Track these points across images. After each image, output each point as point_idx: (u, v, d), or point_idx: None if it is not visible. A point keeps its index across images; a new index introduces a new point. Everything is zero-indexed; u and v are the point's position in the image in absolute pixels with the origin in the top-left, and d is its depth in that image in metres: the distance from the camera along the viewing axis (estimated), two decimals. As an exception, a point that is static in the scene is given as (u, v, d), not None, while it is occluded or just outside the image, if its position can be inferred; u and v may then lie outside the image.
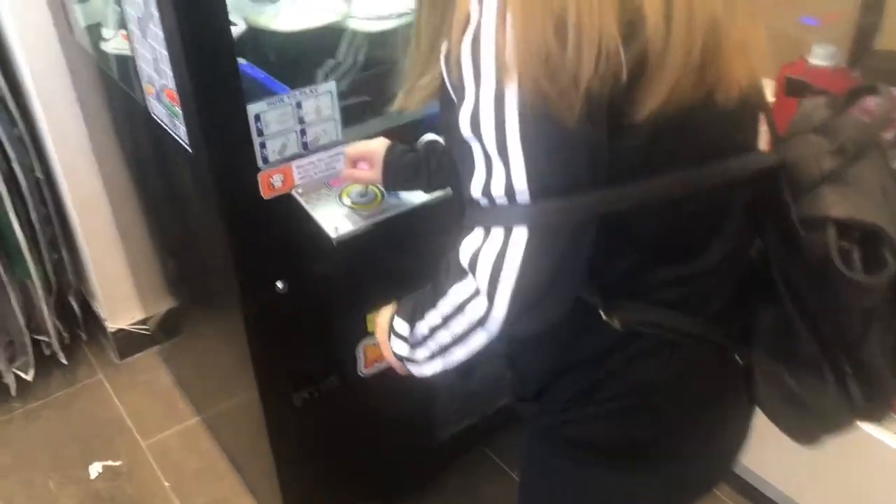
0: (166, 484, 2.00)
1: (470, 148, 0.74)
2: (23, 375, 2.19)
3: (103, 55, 1.59)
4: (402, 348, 0.92)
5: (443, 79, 0.78)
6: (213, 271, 1.53)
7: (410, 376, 0.95)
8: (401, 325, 0.91)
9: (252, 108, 1.20)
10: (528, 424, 1.04)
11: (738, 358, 0.90)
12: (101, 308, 2.27)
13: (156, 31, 1.18)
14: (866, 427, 1.51)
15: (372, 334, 1.52)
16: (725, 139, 0.80)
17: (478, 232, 0.76)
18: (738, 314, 0.89)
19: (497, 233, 0.74)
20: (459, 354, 0.85)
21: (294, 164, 1.29)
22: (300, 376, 1.53)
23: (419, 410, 1.77)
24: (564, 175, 0.72)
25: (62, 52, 1.83)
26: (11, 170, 1.94)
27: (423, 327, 0.87)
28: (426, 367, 0.91)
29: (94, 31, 1.63)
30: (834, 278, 0.75)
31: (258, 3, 1.56)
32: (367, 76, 1.47)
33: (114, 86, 1.60)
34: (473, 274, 0.77)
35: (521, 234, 0.73)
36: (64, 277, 2.23)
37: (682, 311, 0.86)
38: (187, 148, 1.27)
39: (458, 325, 0.82)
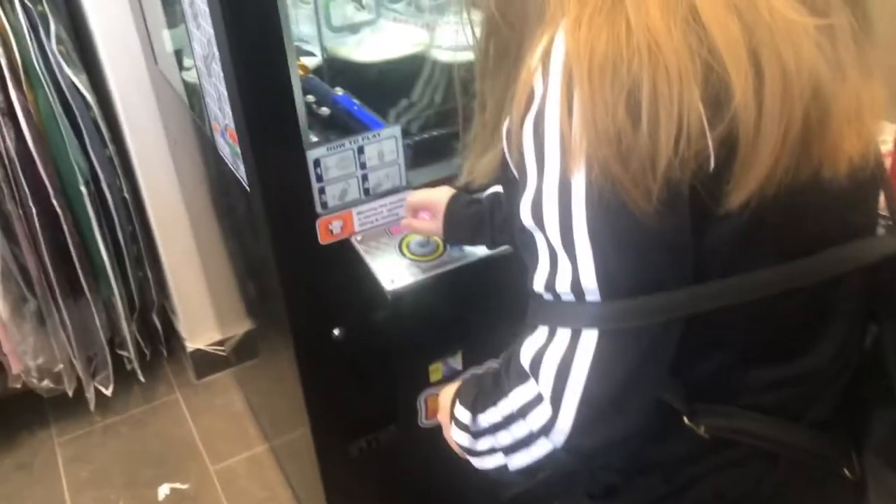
0: (230, 512, 1.98)
1: (532, 237, 0.66)
2: (103, 390, 2.23)
3: (184, 83, 1.58)
4: (462, 438, 0.82)
5: (505, 154, 0.69)
6: (272, 310, 1.50)
7: None
8: (462, 413, 0.81)
9: (311, 154, 1.15)
10: None
11: (847, 472, 0.77)
12: (182, 327, 2.29)
13: (218, 70, 1.14)
14: None
15: (435, 384, 1.45)
16: (835, 223, 0.68)
17: (541, 331, 0.68)
18: (849, 419, 0.77)
19: (563, 334, 0.66)
20: (522, 459, 0.75)
21: (354, 210, 1.23)
22: (358, 425, 1.47)
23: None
24: (640, 273, 0.62)
25: (149, 78, 1.85)
26: (100, 190, 1.98)
27: (483, 422, 0.78)
28: (488, 461, 0.80)
29: (179, 56, 1.63)
30: None
31: (340, 34, 1.52)
32: (442, 111, 1.40)
33: (190, 115, 1.60)
34: (536, 378, 0.68)
35: (590, 337, 0.64)
36: (148, 295, 2.26)
37: (781, 417, 0.74)
38: (247, 188, 1.24)
39: (520, 430, 0.73)
